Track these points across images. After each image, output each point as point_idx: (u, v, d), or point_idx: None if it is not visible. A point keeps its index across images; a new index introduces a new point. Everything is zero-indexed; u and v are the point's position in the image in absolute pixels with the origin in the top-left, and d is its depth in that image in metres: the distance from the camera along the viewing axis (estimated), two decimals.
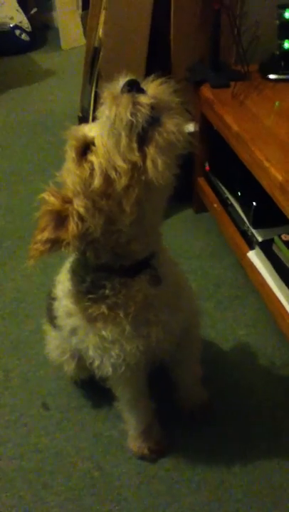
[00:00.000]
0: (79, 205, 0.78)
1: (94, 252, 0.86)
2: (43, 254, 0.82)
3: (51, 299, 1.09)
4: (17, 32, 3.62)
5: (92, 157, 0.75)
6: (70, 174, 0.80)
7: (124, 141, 0.70)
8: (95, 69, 1.98)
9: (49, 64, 3.51)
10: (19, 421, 1.32)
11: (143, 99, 0.70)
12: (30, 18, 3.74)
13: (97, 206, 0.77)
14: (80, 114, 2.32)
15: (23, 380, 1.41)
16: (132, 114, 0.69)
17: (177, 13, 1.69)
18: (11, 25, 3.59)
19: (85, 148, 0.77)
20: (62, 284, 1.02)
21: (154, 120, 0.71)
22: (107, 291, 0.90)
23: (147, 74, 1.71)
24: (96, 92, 1.93)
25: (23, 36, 3.66)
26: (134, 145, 0.71)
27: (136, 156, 0.71)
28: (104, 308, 0.91)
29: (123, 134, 0.70)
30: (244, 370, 1.41)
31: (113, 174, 0.73)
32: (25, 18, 3.68)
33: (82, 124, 0.79)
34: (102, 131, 0.74)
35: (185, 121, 0.75)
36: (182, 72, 1.76)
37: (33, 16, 3.85)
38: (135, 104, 0.70)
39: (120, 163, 0.72)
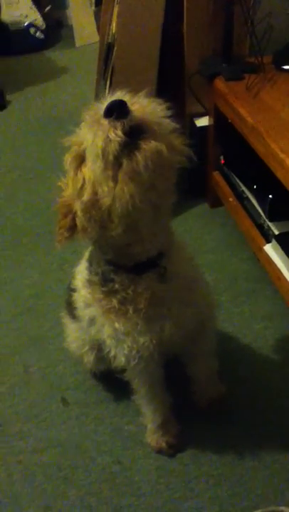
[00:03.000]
0: (77, 207, 0.81)
1: (100, 248, 0.89)
2: (65, 240, 0.85)
3: (71, 290, 1.11)
4: (31, 30, 3.64)
5: (84, 169, 0.78)
6: (68, 179, 0.82)
7: (100, 167, 0.73)
8: (108, 65, 1.98)
9: (63, 61, 3.52)
10: (39, 416, 1.33)
11: (118, 129, 0.70)
12: (44, 16, 3.75)
13: (90, 214, 0.79)
14: None
15: (42, 375, 1.43)
16: (105, 143, 0.71)
17: (190, 6, 1.68)
18: (26, 24, 3.62)
19: (83, 157, 0.78)
20: (81, 273, 1.04)
21: (132, 144, 0.72)
22: (116, 286, 0.92)
23: (161, 67, 1.71)
24: (110, 88, 1.94)
25: (38, 34, 3.68)
26: (109, 172, 0.72)
27: (110, 184, 0.73)
28: (115, 302, 0.92)
29: (98, 162, 0.72)
30: (261, 363, 1.40)
31: (99, 191, 0.75)
32: (39, 16, 3.69)
33: (83, 127, 0.78)
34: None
35: (167, 143, 0.75)
36: (195, 65, 1.75)
37: (47, 13, 3.87)
38: (113, 130, 0.70)
39: (102, 186, 0.74)
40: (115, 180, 0.73)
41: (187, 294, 0.97)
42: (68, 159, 0.80)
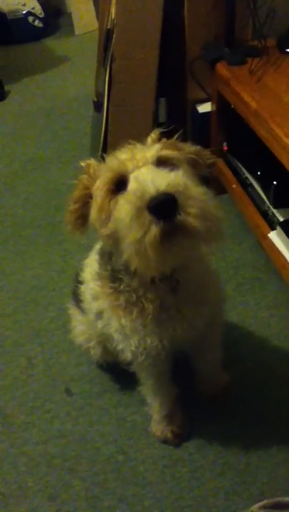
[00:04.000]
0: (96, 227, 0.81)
1: (111, 250, 0.87)
2: (76, 227, 0.84)
3: (78, 282, 1.09)
4: (30, 18, 3.59)
5: (113, 203, 0.76)
6: (95, 199, 0.80)
7: (130, 237, 0.70)
8: (108, 52, 1.95)
9: (63, 50, 3.48)
10: (43, 407, 1.33)
11: (157, 234, 0.67)
12: (42, 4, 3.70)
13: (105, 238, 0.79)
14: (95, 99, 2.30)
15: (45, 367, 1.42)
16: (140, 237, 0.68)
17: None
18: (24, 12, 3.57)
19: (120, 184, 0.76)
20: (91, 266, 1.02)
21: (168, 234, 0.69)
22: (122, 287, 0.89)
23: (162, 53, 1.68)
24: (110, 76, 1.90)
25: (36, 23, 3.63)
26: (137, 238, 0.69)
27: (134, 253, 0.71)
28: (122, 301, 0.91)
29: (130, 237, 0.70)
30: (266, 352, 1.39)
31: (122, 241, 0.73)
32: (37, 4, 3.64)
33: (124, 202, 0.74)
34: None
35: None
36: (197, 50, 1.72)
37: (46, 1, 3.81)
38: (152, 233, 0.68)
39: (124, 241, 0.72)
40: (140, 255, 0.70)
41: (200, 296, 0.94)
42: (101, 183, 0.78)
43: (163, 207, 0.67)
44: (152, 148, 0.80)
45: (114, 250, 0.81)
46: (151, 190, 0.68)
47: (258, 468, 1.15)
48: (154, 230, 0.68)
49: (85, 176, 0.84)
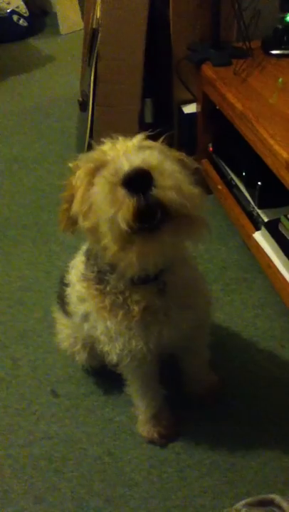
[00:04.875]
0: (79, 220, 0.79)
1: (97, 251, 0.86)
2: (67, 228, 0.84)
3: (64, 284, 1.08)
4: (14, 17, 3.56)
5: (94, 193, 0.74)
6: (78, 192, 0.78)
7: (108, 225, 0.69)
8: (93, 51, 1.95)
9: (48, 49, 3.46)
10: (28, 409, 1.32)
11: (130, 209, 0.66)
12: (27, 3, 3.67)
13: (89, 233, 0.78)
14: (81, 99, 2.29)
15: (31, 368, 1.41)
16: (115, 215, 0.67)
17: None
18: (8, 11, 3.53)
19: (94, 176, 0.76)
20: (77, 268, 1.01)
21: (147, 226, 0.68)
22: (108, 288, 0.89)
23: (147, 53, 1.68)
24: (96, 75, 1.90)
25: (21, 22, 3.60)
26: (116, 233, 0.69)
27: (114, 245, 0.70)
28: (107, 303, 0.90)
29: (107, 223, 0.69)
30: (252, 352, 1.39)
31: (103, 236, 0.72)
32: (22, 2, 3.61)
33: (100, 181, 0.73)
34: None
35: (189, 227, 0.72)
36: (182, 51, 1.72)
37: (30, 0, 3.78)
38: (125, 208, 0.66)
39: (106, 235, 0.71)
40: (118, 244, 0.69)
41: (187, 299, 0.94)
42: (82, 174, 0.77)
43: (137, 180, 0.66)
44: (134, 138, 0.79)
45: (98, 248, 0.79)
46: (126, 166, 0.67)
47: (244, 467, 1.15)
48: (128, 204, 0.66)
49: (74, 176, 0.83)
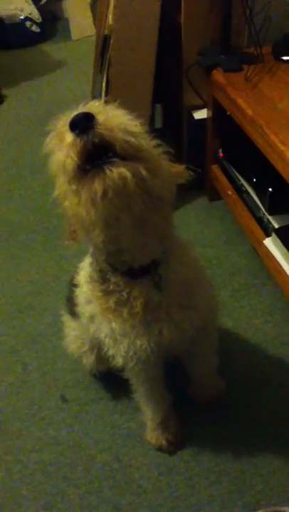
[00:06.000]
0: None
1: (95, 248, 0.86)
2: (72, 239, 0.83)
3: (73, 285, 1.09)
4: (27, 24, 3.60)
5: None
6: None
7: (63, 181, 0.71)
8: (105, 57, 1.96)
9: (60, 55, 3.48)
10: (37, 414, 1.32)
11: (77, 148, 0.67)
12: (40, 9, 3.70)
13: (69, 218, 0.77)
14: None
15: (40, 373, 1.42)
16: (64, 160, 0.68)
17: None
18: (22, 17, 3.57)
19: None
20: (84, 269, 1.02)
21: (96, 166, 0.68)
22: (111, 286, 0.89)
23: (158, 58, 1.68)
24: (107, 81, 1.91)
25: (34, 28, 3.64)
26: (73, 186, 0.69)
27: (73, 200, 0.70)
28: (111, 303, 0.90)
29: (61, 176, 0.71)
30: (261, 358, 1.38)
31: (66, 203, 0.73)
32: (35, 9, 3.65)
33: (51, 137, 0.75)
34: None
35: (141, 167, 0.69)
36: (193, 56, 1.72)
37: (43, 6, 3.82)
38: (73, 148, 0.67)
39: (66, 199, 0.72)
40: (79, 195, 0.69)
41: (188, 299, 0.94)
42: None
43: (81, 121, 0.67)
44: None
45: (85, 234, 0.79)
46: (72, 114, 0.69)
47: (254, 475, 1.14)
48: (74, 143, 0.67)
49: None
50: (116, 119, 0.70)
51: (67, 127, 0.69)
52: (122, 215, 0.71)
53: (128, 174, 0.67)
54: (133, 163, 0.69)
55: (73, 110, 0.71)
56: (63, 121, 0.71)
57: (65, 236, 0.85)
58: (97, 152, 0.68)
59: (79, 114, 0.68)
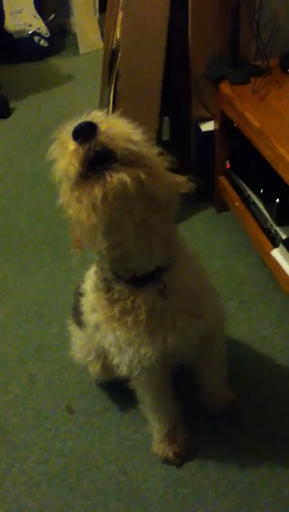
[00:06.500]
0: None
1: (99, 256, 0.87)
2: (78, 247, 0.84)
3: (79, 294, 1.09)
4: (36, 38, 3.65)
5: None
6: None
7: (66, 188, 0.73)
8: (113, 71, 1.98)
9: (68, 69, 3.53)
10: (44, 425, 1.31)
11: (79, 156, 0.68)
12: (48, 24, 3.76)
13: (73, 225, 0.78)
14: None
15: (47, 384, 1.41)
16: (67, 167, 0.70)
17: (195, 10, 1.67)
18: (30, 32, 3.63)
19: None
20: (91, 278, 1.02)
21: (97, 172, 0.69)
22: (116, 295, 0.89)
23: (165, 71, 1.69)
24: (115, 94, 1.93)
25: (42, 42, 3.69)
26: (75, 193, 0.71)
27: (75, 206, 0.72)
28: (116, 311, 0.90)
29: (64, 183, 0.73)
30: (269, 369, 1.37)
31: (70, 210, 0.74)
32: (43, 24, 3.71)
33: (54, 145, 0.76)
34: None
35: (141, 173, 0.71)
36: (201, 69, 1.74)
37: (51, 21, 3.88)
38: (75, 156, 0.69)
39: (69, 206, 0.74)
40: (80, 201, 0.71)
41: (194, 307, 0.94)
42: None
43: (84, 131, 0.69)
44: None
45: (94, 247, 0.80)
46: (75, 123, 0.71)
47: (262, 488, 1.13)
48: (76, 151, 0.69)
49: None
50: (117, 127, 0.72)
51: (70, 136, 0.70)
52: (122, 219, 0.72)
53: (128, 179, 0.69)
54: (133, 169, 0.70)
55: (77, 119, 0.73)
56: (67, 130, 0.73)
57: (71, 244, 0.86)
58: (99, 159, 0.69)
59: (82, 123, 0.70)
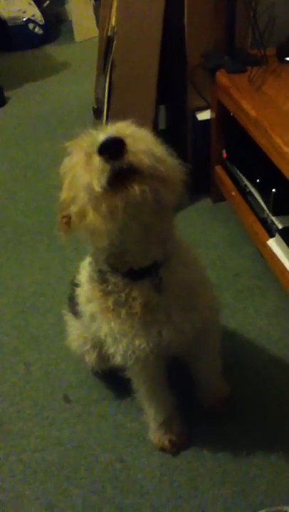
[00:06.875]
0: (71, 209, 0.79)
1: (95, 248, 0.87)
2: (65, 232, 0.83)
3: (74, 285, 1.10)
4: (30, 25, 3.62)
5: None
6: (65, 182, 0.80)
7: (85, 196, 0.72)
8: (108, 59, 1.96)
9: (63, 57, 3.50)
10: (41, 414, 1.32)
11: (105, 174, 0.69)
12: (43, 12, 3.72)
13: (79, 222, 0.78)
14: (95, 106, 2.31)
15: (43, 373, 1.42)
16: (90, 181, 0.70)
17: None
18: (24, 19, 3.59)
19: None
20: (85, 269, 1.03)
21: (118, 182, 0.70)
22: (110, 287, 0.90)
23: (161, 59, 1.68)
24: (110, 83, 1.91)
25: (37, 30, 3.65)
26: (93, 202, 0.72)
27: (92, 213, 0.72)
28: (110, 303, 0.91)
29: (83, 192, 0.72)
30: (265, 359, 1.38)
31: (85, 214, 0.74)
32: (38, 11, 3.67)
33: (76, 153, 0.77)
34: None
35: (159, 187, 0.73)
36: (197, 58, 1.73)
37: (46, 8, 3.84)
38: (100, 173, 0.69)
39: (86, 211, 0.74)
40: (97, 211, 0.72)
41: (188, 301, 0.94)
42: (69, 162, 0.78)
43: (111, 146, 0.69)
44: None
45: (91, 241, 0.82)
46: (101, 137, 0.70)
47: (257, 476, 1.14)
48: (103, 169, 0.69)
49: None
50: (142, 143, 0.73)
51: (94, 149, 0.70)
52: (132, 223, 0.74)
53: (148, 190, 0.71)
54: (152, 181, 0.72)
55: (99, 130, 0.73)
56: (88, 140, 0.73)
57: (57, 228, 0.85)
58: (122, 170, 0.70)
59: (109, 138, 0.69)
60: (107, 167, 0.69)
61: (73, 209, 0.76)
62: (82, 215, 0.75)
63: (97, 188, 0.70)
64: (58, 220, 0.84)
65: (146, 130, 0.78)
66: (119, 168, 0.69)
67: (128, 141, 0.70)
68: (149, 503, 1.12)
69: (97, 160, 0.70)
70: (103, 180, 0.69)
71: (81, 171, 0.72)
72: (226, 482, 1.14)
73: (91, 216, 0.73)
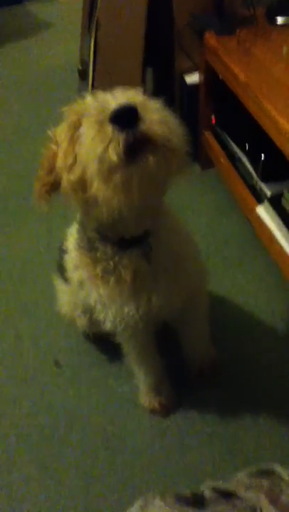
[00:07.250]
0: (64, 177, 0.76)
1: (85, 215, 0.85)
2: (45, 197, 0.81)
3: (62, 251, 1.09)
4: None
5: (78, 146, 0.72)
6: (60, 148, 0.76)
7: (94, 166, 0.69)
8: (93, 18, 1.89)
9: (46, 15, 3.37)
10: (32, 379, 1.34)
11: (120, 145, 0.66)
12: None
13: (75, 191, 0.75)
14: (80, 67, 2.24)
15: (34, 340, 1.43)
16: (103, 152, 0.67)
17: None
18: None
19: (79, 128, 0.73)
20: (73, 236, 1.02)
21: (131, 156, 0.68)
22: (98, 255, 0.90)
23: (148, 20, 1.61)
24: (95, 43, 1.85)
25: None
26: (103, 173, 0.68)
27: (100, 184, 0.69)
28: (98, 270, 0.91)
29: (93, 163, 0.68)
30: (253, 326, 1.41)
31: (90, 182, 0.71)
32: None
33: (85, 122, 0.72)
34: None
35: (170, 160, 0.71)
36: (185, 19, 1.68)
37: None
38: (114, 145, 0.66)
39: (93, 180, 0.70)
40: (107, 182, 0.69)
41: (177, 269, 0.95)
42: (64, 128, 0.75)
43: (124, 116, 0.67)
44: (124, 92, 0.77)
45: (84, 209, 0.80)
46: (113, 103, 0.69)
47: (245, 437, 1.18)
48: (118, 139, 0.67)
49: (53, 144, 0.80)
50: (155, 112, 0.71)
51: (107, 118, 0.67)
52: (141, 194, 0.72)
53: (162, 161, 0.70)
54: (165, 151, 0.71)
55: (107, 94, 0.70)
56: (100, 108, 0.69)
57: (34, 195, 0.83)
58: (135, 141, 0.68)
59: (123, 107, 0.67)
60: (122, 136, 0.67)
61: (70, 177, 0.73)
62: (83, 185, 0.72)
63: (114, 158, 0.67)
64: (37, 188, 0.81)
65: (155, 100, 0.74)
66: (133, 138, 0.67)
67: (141, 110, 0.68)
68: (140, 463, 1.16)
69: (109, 129, 0.67)
70: (119, 150, 0.67)
71: (92, 140, 0.68)
72: (214, 442, 1.18)
73: (98, 187, 0.70)
